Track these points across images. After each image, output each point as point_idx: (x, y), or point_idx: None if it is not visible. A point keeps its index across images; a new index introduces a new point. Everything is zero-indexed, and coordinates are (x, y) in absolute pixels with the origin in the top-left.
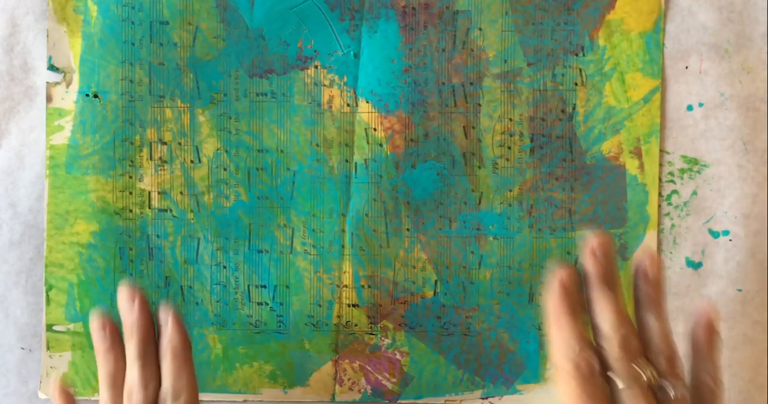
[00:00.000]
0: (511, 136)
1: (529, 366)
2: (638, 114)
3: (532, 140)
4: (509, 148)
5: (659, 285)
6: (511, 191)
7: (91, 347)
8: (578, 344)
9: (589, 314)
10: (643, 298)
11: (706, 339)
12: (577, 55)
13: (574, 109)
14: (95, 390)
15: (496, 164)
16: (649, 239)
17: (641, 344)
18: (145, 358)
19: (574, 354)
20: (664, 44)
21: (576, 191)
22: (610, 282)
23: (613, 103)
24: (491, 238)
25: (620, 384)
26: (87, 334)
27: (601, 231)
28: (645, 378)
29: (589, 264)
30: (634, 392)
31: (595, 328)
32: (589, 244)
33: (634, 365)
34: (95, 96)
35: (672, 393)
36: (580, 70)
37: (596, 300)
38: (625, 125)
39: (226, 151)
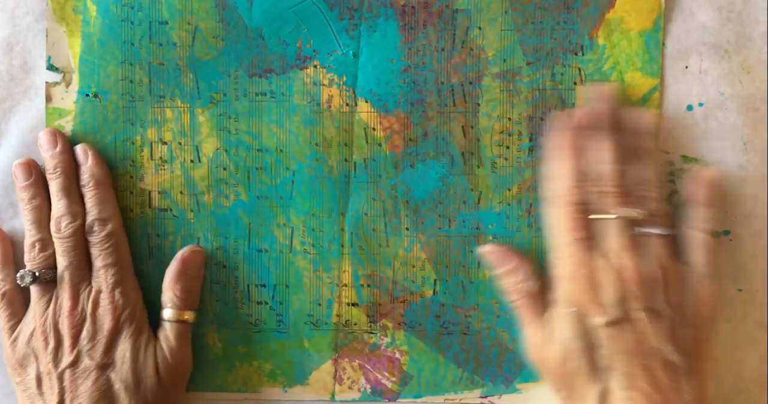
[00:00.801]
0: (510, 135)
1: (529, 365)
2: None
3: (531, 139)
4: (508, 147)
5: (646, 135)
6: (510, 190)
7: None
8: (577, 176)
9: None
10: (630, 150)
11: (704, 191)
12: (576, 54)
13: (573, 108)
14: None
15: (495, 163)
16: None
17: (629, 189)
18: (69, 191)
19: (571, 184)
20: (663, 44)
21: None
22: (606, 128)
23: None
24: (490, 237)
25: (606, 216)
26: None
27: (601, 84)
28: (628, 215)
29: (587, 111)
30: (614, 225)
31: (589, 173)
32: (589, 93)
33: (619, 199)
34: (95, 96)
35: (652, 232)
36: (580, 69)
37: (594, 144)
38: None
39: (226, 151)
